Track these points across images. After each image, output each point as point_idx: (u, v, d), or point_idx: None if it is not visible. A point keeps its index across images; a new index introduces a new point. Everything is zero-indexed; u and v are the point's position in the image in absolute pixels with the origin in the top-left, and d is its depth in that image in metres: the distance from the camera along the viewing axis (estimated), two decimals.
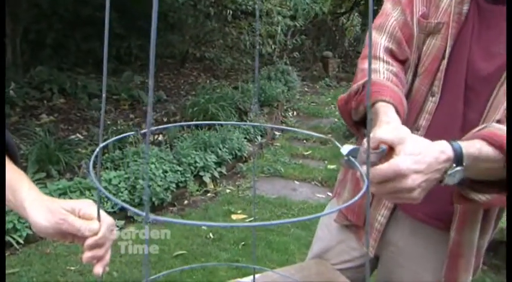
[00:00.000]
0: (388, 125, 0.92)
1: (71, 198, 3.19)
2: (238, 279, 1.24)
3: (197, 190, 4.00)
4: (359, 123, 1.12)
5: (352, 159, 0.77)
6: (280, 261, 3.04)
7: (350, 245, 1.32)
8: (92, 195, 3.27)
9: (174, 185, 3.74)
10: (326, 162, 4.95)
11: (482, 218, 1.09)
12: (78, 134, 4.64)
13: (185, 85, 7.16)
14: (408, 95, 1.14)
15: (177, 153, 4.07)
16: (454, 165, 0.86)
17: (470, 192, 0.93)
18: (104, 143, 0.54)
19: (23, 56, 5.99)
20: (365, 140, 0.86)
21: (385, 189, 0.85)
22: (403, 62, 1.14)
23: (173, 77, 7.57)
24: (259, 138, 5.29)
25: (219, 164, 4.31)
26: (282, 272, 1.14)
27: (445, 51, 1.07)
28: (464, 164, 0.86)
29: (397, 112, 0.98)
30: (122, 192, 3.41)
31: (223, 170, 4.35)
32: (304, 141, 5.60)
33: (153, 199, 3.54)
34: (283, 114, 6.77)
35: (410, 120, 1.11)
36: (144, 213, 0.38)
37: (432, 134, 1.09)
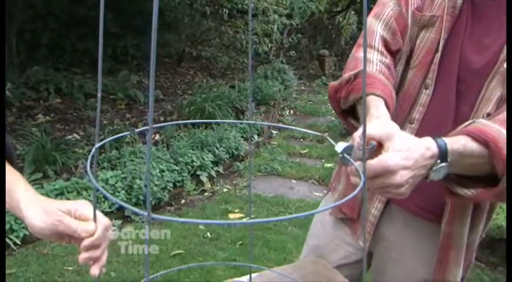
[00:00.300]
0: (377, 119, 0.93)
1: (68, 198, 3.18)
2: (236, 279, 1.24)
3: (194, 189, 3.99)
4: (346, 112, 1.13)
5: (347, 156, 0.78)
6: (277, 260, 3.04)
7: (345, 240, 1.32)
8: (89, 196, 3.26)
9: (171, 185, 3.73)
10: (323, 160, 4.95)
11: (472, 212, 1.10)
12: (74, 134, 4.63)
13: (182, 84, 7.15)
14: (400, 88, 1.15)
15: (173, 153, 4.07)
16: (439, 161, 0.87)
17: (456, 187, 0.94)
18: (100, 143, 0.54)
19: (19, 56, 5.97)
20: (355, 135, 0.88)
21: (374, 185, 0.86)
22: (395, 53, 1.15)
23: (170, 76, 7.55)
24: (256, 137, 5.29)
25: (216, 163, 4.31)
26: (279, 271, 1.14)
27: (438, 44, 1.09)
28: (448, 160, 0.87)
29: (387, 106, 0.99)
30: (119, 192, 3.41)
31: (220, 169, 4.35)
32: (301, 139, 5.60)
33: (150, 199, 3.53)
34: (279, 112, 6.76)
35: (403, 113, 1.12)
36: (145, 213, 0.38)
37: (426, 126, 1.10)
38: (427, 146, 0.87)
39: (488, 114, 1.01)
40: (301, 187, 4.33)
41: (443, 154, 0.87)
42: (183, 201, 3.86)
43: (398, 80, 1.15)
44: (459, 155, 0.88)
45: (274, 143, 5.45)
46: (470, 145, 0.89)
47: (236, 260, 3.04)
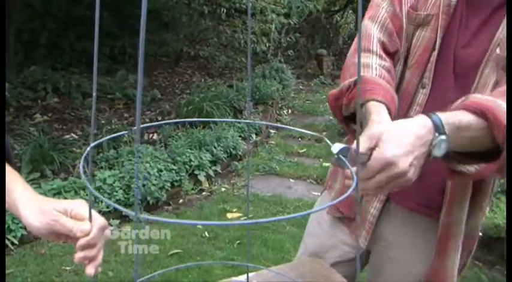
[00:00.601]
0: (379, 125, 0.93)
1: (65, 198, 3.18)
2: (233, 278, 1.24)
3: (192, 189, 3.99)
4: (349, 119, 1.13)
5: (342, 157, 0.78)
6: (275, 259, 3.04)
7: (341, 239, 1.32)
8: (87, 195, 3.26)
9: (169, 184, 3.73)
10: (321, 160, 4.95)
11: (471, 198, 1.10)
12: (72, 134, 4.63)
13: (180, 84, 7.15)
14: (399, 87, 1.15)
15: (171, 152, 4.06)
16: (437, 134, 0.87)
17: (459, 165, 0.93)
18: (95, 143, 0.54)
19: (17, 56, 5.96)
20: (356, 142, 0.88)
21: (380, 182, 0.86)
22: (393, 54, 1.15)
23: (168, 76, 7.55)
24: (254, 136, 5.29)
25: (214, 162, 4.31)
26: (276, 270, 1.15)
27: (435, 42, 1.09)
28: (446, 132, 0.87)
29: (389, 111, 0.99)
30: (116, 192, 3.41)
31: (218, 169, 4.35)
32: (299, 139, 5.60)
33: (148, 198, 3.54)
34: (278, 112, 6.77)
35: (401, 113, 1.12)
36: (134, 213, 0.38)
37: None
38: (421, 122, 0.87)
39: None
40: (299, 186, 4.33)
41: (439, 127, 0.87)
42: (181, 200, 3.86)
43: (398, 80, 1.15)
44: (457, 129, 0.87)
45: (272, 142, 5.45)
46: (467, 118, 0.88)
47: (234, 259, 3.04)
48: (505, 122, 0.86)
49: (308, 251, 1.40)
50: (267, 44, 8.03)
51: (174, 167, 3.89)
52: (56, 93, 5.67)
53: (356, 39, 1.29)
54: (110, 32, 6.22)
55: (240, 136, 4.83)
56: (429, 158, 0.88)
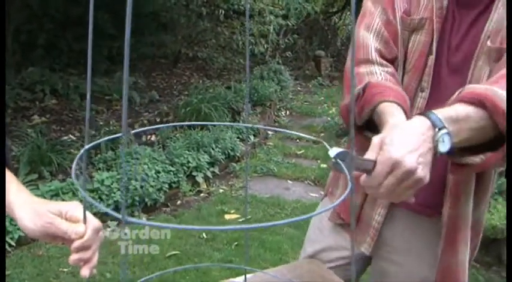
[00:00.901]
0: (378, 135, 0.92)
1: (63, 199, 3.17)
2: (231, 279, 1.24)
3: (190, 190, 3.99)
4: (362, 127, 1.12)
5: (340, 162, 0.78)
6: (273, 260, 3.04)
7: (342, 245, 1.32)
8: (84, 197, 3.25)
9: (166, 186, 3.73)
10: (319, 161, 4.96)
11: (474, 193, 1.10)
12: (70, 135, 4.63)
13: (178, 85, 7.15)
14: None
15: (169, 154, 4.06)
16: (437, 130, 0.86)
17: (464, 157, 0.93)
18: (90, 145, 0.54)
19: (14, 57, 5.95)
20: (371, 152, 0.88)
21: (390, 186, 0.85)
22: (392, 61, 1.15)
23: (166, 77, 7.55)
24: (252, 137, 5.29)
25: (211, 164, 4.31)
26: (273, 273, 1.15)
27: (431, 46, 1.09)
28: (446, 126, 0.86)
29: (403, 110, 0.98)
30: (114, 193, 3.40)
31: (216, 170, 4.35)
32: (297, 140, 5.61)
33: (146, 200, 3.53)
34: (276, 113, 6.77)
35: None
36: (120, 216, 0.38)
37: None
38: (419, 121, 0.88)
39: None
40: (297, 188, 4.33)
41: (437, 123, 0.86)
42: (178, 202, 3.86)
43: None
44: (455, 121, 0.87)
45: (270, 143, 5.45)
46: (465, 109, 0.88)
47: (232, 260, 3.04)
48: (504, 107, 0.86)
49: (308, 256, 1.40)
50: (265, 46, 8.03)
51: (172, 169, 3.89)
52: (54, 94, 5.66)
53: (351, 47, 1.28)
54: (108, 33, 6.21)
55: (238, 137, 4.83)
56: (436, 156, 0.88)
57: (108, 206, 3.28)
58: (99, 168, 3.74)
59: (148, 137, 4.63)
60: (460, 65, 1.08)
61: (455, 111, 0.88)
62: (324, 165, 4.76)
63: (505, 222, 2.83)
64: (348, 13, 10.48)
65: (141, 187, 3.51)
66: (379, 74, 1.09)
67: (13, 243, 2.90)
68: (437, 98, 1.09)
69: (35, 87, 5.62)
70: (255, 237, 3.32)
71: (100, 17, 5.98)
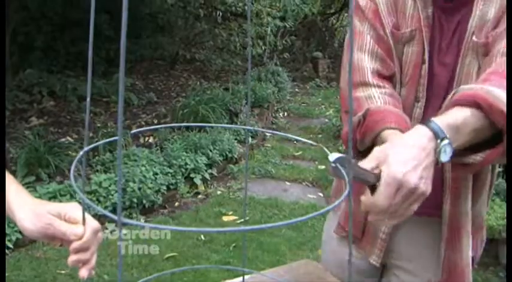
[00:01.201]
0: (380, 147, 0.92)
1: (61, 201, 3.17)
2: (229, 281, 1.24)
3: (188, 192, 3.99)
4: (364, 152, 1.10)
5: (340, 166, 0.78)
6: (271, 262, 3.04)
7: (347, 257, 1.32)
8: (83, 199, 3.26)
9: (164, 187, 3.73)
10: (316, 162, 4.96)
11: (472, 189, 1.11)
12: (68, 137, 4.62)
13: (175, 87, 7.15)
14: None
15: (167, 155, 4.07)
16: (439, 141, 0.86)
17: (464, 158, 0.93)
18: (89, 147, 0.55)
19: (12, 59, 5.95)
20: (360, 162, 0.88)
21: (398, 205, 0.86)
22: (391, 78, 1.15)
23: (163, 79, 7.55)
24: (249, 139, 5.30)
25: (209, 165, 4.31)
26: (270, 275, 1.15)
27: (423, 56, 1.10)
28: (448, 136, 0.86)
29: None
30: (112, 195, 3.40)
31: (214, 172, 4.36)
32: (295, 142, 5.61)
33: (144, 201, 3.53)
34: (273, 115, 6.78)
35: None
36: (116, 217, 0.39)
37: None
38: (420, 133, 0.88)
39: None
40: (295, 189, 4.34)
41: (438, 133, 0.86)
42: (176, 203, 3.86)
43: None
44: (456, 129, 0.87)
45: (268, 145, 5.45)
46: (463, 113, 0.88)
47: (230, 262, 3.04)
48: (500, 106, 0.86)
49: None
50: (263, 47, 8.04)
51: (170, 170, 3.89)
52: (52, 96, 5.67)
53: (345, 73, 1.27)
54: (106, 35, 6.21)
55: (235, 139, 4.83)
56: (437, 165, 0.89)
57: (105, 208, 3.28)
58: (97, 170, 3.74)
59: (146, 138, 4.63)
60: (452, 65, 1.09)
61: (454, 117, 0.88)
62: (322, 167, 4.77)
63: (502, 222, 2.85)
64: (346, 14, 10.50)
65: (139, 189, 3.51)
66: (377, 98, 1.09)
67: (11, 246, 2.90)
68: (433, 106, 1.10)
69: (32, 89, 5.62)
70: (253, 239, 3.32)
71: (98, 19, 5.99)
